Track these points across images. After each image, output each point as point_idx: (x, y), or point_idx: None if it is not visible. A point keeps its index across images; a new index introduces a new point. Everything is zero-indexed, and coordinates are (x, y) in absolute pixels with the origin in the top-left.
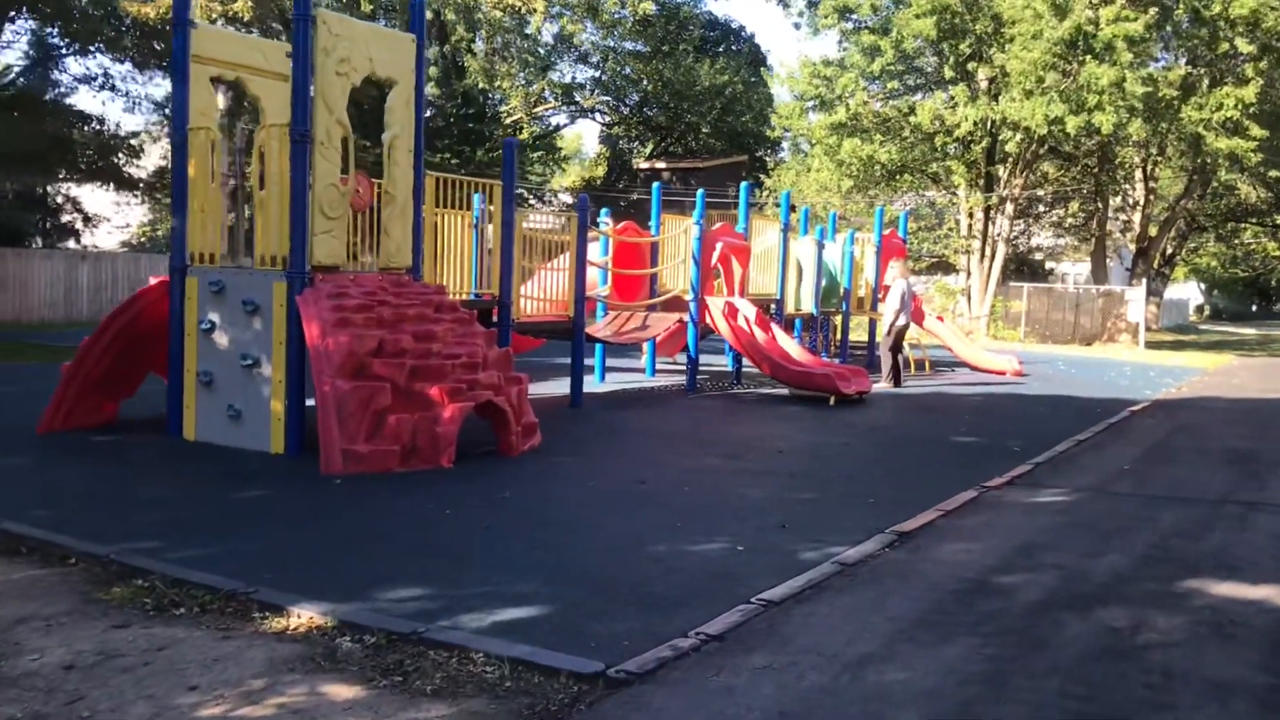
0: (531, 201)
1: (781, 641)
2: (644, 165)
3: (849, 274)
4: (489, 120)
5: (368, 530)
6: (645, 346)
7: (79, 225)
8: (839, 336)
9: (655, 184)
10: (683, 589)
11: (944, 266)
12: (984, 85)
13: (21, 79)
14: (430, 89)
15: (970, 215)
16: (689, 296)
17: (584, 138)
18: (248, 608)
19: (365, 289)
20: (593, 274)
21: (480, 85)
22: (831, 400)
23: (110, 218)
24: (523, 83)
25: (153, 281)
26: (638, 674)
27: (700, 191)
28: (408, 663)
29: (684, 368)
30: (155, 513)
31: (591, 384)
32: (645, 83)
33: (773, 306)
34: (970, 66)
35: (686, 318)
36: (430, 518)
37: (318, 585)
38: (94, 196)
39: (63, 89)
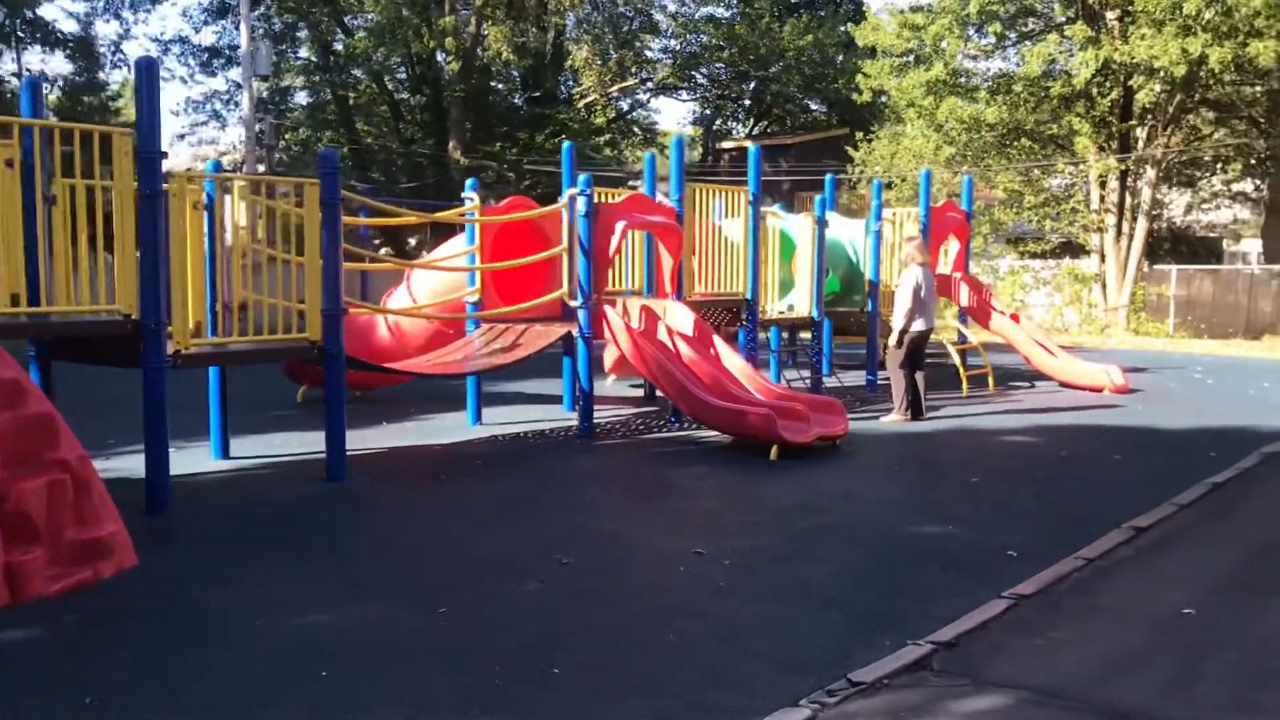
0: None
1: None
2: (728, 145)
3: (875, 261)
4: (560, 102)
5: None
6: (564, 373)
7: None
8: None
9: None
10: None
11: (1074, 249)
12: (1114, 26)
13: None
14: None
15: (1102, 185)
16: (577, 301)
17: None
18: None
19: None
20: (453, 277)
21: (505, 57)
22: (772, 453)
23: None
24: (598, 59)
25: None
26: None
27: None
28: None
29: (644, 392)
30: None
31: (461, 427)
32: (724, 50)
33: (745, 310)
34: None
35: (575, 331)
36: None
37: None
38: None
39: None
